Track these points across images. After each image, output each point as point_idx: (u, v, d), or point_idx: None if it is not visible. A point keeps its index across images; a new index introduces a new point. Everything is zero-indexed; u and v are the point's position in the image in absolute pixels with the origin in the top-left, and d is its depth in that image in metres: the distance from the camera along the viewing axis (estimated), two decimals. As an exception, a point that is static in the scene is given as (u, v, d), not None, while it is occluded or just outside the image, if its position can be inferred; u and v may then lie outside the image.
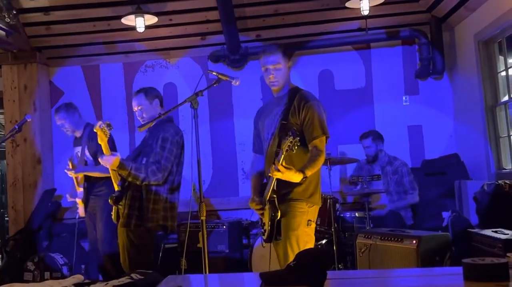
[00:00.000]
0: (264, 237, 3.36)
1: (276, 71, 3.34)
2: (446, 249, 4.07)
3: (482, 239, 3.91)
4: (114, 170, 3.82)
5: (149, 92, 4.04)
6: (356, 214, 5.18)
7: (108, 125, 3.64)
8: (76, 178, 4.77)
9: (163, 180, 3.84)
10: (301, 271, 1.81)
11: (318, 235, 5.01)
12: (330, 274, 1.85)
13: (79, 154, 4.86)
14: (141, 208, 3.86)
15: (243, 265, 5.23)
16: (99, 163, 4.02)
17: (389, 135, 5.90)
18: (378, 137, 5.52)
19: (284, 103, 3.36)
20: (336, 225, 4.77)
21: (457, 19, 5.93)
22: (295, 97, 3.35)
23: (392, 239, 4.17)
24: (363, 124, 6.16)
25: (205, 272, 3.11)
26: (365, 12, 5.48)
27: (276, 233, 3.28)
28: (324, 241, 4.95)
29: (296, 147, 2.99)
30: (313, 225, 3.33)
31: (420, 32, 6.17)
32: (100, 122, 3.64)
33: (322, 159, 3.24)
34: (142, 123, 3.96)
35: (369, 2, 5.44)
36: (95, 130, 3.68)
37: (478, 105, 5.61)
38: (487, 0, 5.23)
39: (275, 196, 3.23)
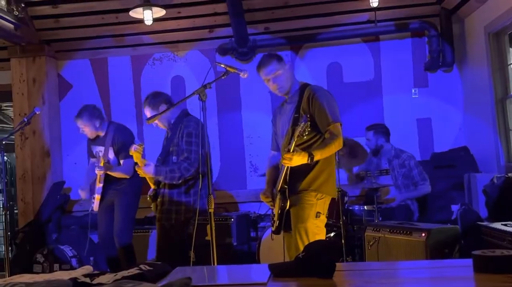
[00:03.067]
0: (273, 229, 3.39)
1: (276, 78, 3.45)
2: (455, 242, 4.04)
3: (492, 232, 3.89)
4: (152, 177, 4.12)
5: (154, 101, 4.27)
6: (365, 207, 5.17)
7: (141, 145, 3.90)
8: (101, 175, 4.78)
9: (196, 172, 4.10)
10: (310, 263, 1.80)
11: (327, 228, 4.97)
12: (339, 265, 1.84)
13: (101, 153, 4.89)
14: (179, 202, 4.18)
15: (251, 258, 5.23)
16: (119, 163, 4.62)
17: (398, 128, 5.87)
18: (380, 131, 5.45)
19: (295, 101, 3.45)
20: (344, 218, 4.75)
21: (467, 11, 5.88)
22: (303, 92, 3.43)
23: (401, 232, 4.16)
24: (371, 117, 6.13)
25: (213, 264, 3.11)
26: (374, 4, 5.45)
27: (285, 224, 3.30)
28: (332, 234, 4.94)
29: (307, 132, 3.03)
30: (323, 217, 3.36)
31: (429, 24, 6.12)
32: (133, 146, 3.89)
33: (337, 144, 3.27)
34: (163, 127, 4.34)
35: (378, -6, 5.41)
36: (131, 153, 3.94)
37: (487, 98, 5.57)
38: (498, -8, 5.18)
39: (286, 186, 3.29)
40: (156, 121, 4.14)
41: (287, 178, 3.28)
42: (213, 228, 3.16)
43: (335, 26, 6.31)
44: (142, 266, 1.90)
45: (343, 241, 4.61)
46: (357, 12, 6.12)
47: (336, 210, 4.82)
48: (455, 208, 5.20)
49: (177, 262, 4.48)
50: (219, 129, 6.57)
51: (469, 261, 1.80)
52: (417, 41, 6.36)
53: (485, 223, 4.15)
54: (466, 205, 5.02)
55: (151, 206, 4.38)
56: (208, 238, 3.29)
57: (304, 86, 3.49)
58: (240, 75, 3.48)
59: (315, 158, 3.18)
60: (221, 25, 6.29)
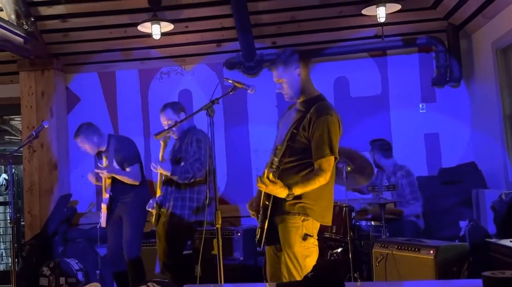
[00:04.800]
0: (256, 241, 3.26)
1: (281, 85, 3.24)
2: (464, 259, 4.00)
3: (500, 249, 3.85)
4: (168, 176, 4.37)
5: (175, 107, 4.58)
6: (372, 223, 5.13)
7: (168, 137, 4.49)
8: (105, 183, 4.80)
9: (205, 176, 4.35)
10: (319, 282, 1.79)
11: (333, 244, 4.97)
12: (348, 285, 1.83)
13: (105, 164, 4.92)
14: (184, 207, 4.42)
15: (258, 273, 5.20)
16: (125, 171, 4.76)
17: (405, 143, 5.86)
18: (378, 147, 5.40)
19: (301, 111, 3.21)
20: (351, 234, 4.72)
21: (475, 27, 5.88)
22: (311, 108, 3.14)
23: (409, 248, 4.12)
24: (379, 132, 6.11)
25: (220, 280, 3.09)
26: (382, 19, 5.47)
27: (267, 238, 3.13)
28: (339, 250, 4.91)
29: (279, 169, 2.97)
30: (312, 239, 3.12)
31: (437, 39, 6.13)
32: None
33: (322, 179, 3.02)
34: (176, 136, 4.62)
35: (386, 9, 5.43)
36: (161, 143, 4.48)
37: (495, 113, 5.55)
38: (505, 8, 5.18)
39: (268, 203, 3.10)
40: (174, 129, 4.44)
41: (269, 195, 3.05)
42: (220, 243, 3.14)
43: (342, 41, 6.33)
44: (150, 284, 1.90)
45: (350, 256, 4.57)
46: (364, 27, 6.14)
47: (343, 226, 4.79)
48: (463, 224, 5.17)
49: (182, 275, 4.54)
50: (226, 142, 6.57)
51: (478, 282, 1.78)
52: (424, 57, 6.36)
53: (493, 240, 4.12)
54: (474, 221, 4.98)
55: (152, 217, 4.55)
56: (214, 252, 3.28)
57: (314, 100, 3.22)
58: (248, 91, 3.48)
59: (295, 193, 2.93)
60: (229, 39, 6.33)
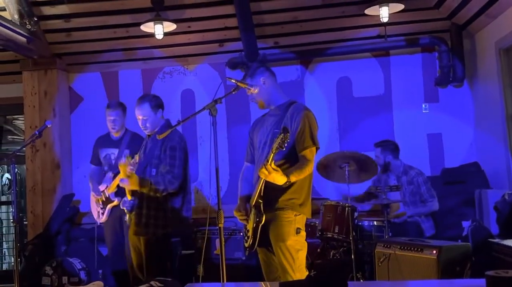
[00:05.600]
0: (247, 245, 3.39)
1: (252, 95, 3.53)
2: (467, 259, 4.00)
3: (503, 249, 3.85)
4: (136, 190, 3.97)
5: (153, 103, 4.15)
6: (375, 223, 5.13)
7: (128, 158, 3.83)
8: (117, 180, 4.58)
9: (179, 188, 4.00)
10: (321, 282, 1.79)
11: (336, 244, 4.97)
12: (350, 285, 1.83)
13: (113, 156, 4.94)
14: (157, 217, 4.00)
15: (260, 272, 5.19)
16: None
17: (408, 143, 5.85)
18: (388, 148, 5.39)
19: (278, 114, 3.47)
20: (354, 234, 4.72)
21: (478, 27, 5.87)
22: (288, 109, 3.43)
23: (412, 249, 4.12)
24: (381, 132, 6.11)
25: (223, 280, 3.09)
26: (385, 19, 5.46)
27: (260, 239, 3.28)
28: (342, 250, 4.90)
29: (286, 144, 3.02)
30: (303, 233, 3.35)
31: (440, 39, 6.12)
32: (122, 159, 3.92)
33: (309, 168, 3.32)
34: (148, 133, 4.19)
35: (389, 9, 5.42)
36: (119, 167, 3.89)
37: (498, 113, 5.54)
38: (508, 8, 5.17)
39: (261, 201, 3.28)
40: (147, 124, 4.10)
41: (262, 193, 3.26)
42: (223, 242, 3.14)
43: (345, 41, 6.32)
44: (153, 283, 1.90)
45: (352, 257, 4.57)
46: (367, 27, 6.13)
47: (345, 226, 4.79)
48: (466, 224, 5.16)
49: (160, 276, 4.40)
50: (229, 142, 6.57)
51: (481, 281, 1.77)
52: (427, 56, 6.35)
53: (496, 240, 4.12)
54: (477, 221, 4.98)
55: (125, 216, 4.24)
56: (217, 252, 3.28)
57: (290, 103, 3.50)
58: (251, 91, 3.49)
59: (291, 181, 3.20)
60: (231, 39, 6.32)
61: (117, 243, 4.84)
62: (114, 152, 4.95)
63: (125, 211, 4.17)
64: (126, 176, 3.85)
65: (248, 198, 3.48)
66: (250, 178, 3.57)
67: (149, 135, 4.25)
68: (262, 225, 3.27)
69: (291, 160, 3.35)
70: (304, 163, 3.30)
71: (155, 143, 4.09)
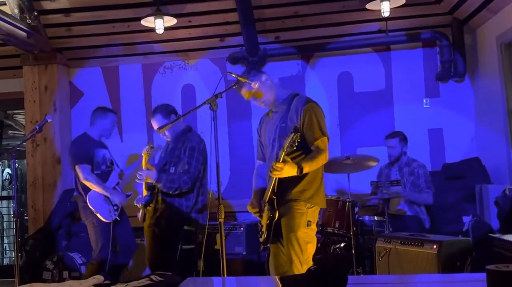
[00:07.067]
0: (261, 240, 3.42)
1: (254, 97, 3.58)
2: (467, 254, 4.01)
3: (504, 244, 3.85)
4: (151, 183, 4.19)
5: (165, 111, 4.34)
6: (375, 218, 5.13)
7: (151, 147, 4.21)
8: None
9: (192, 187, 4.19)
10: (322, 276, 1.79)
11: (336, 239, 4.98)
12: (351, 279, 1.82)
13: (109, 155, 5.01)
14: (171, 211, 4.19)
15: (261, 267, 5.21)
16: None
17: (409, 138, 5.82)
18: (404, 138, 5.46)
19: (282, 109, 3.49)
20: (354, 229, 4.72)
21: (479, 21, 5.85)
22: (292, 101, 3.46)
23: (412, 243, 4.12)
24: (382, 127, 6.10)
25: (223, 274, 3.09)
26: (386, 14, 5.44)
27: (274, 234, 3.31)
28: (342, 245, 4.91)
29: (297, 143, 3.04)
30: (314, 226, 3.38)
31: (441, 34, 6.10)
32: (145, 147, 4.24)
33: (323, 158, 3.34)
34: (167, 139, 4.41)
35: (390, 4, 5.40)
36: (143, 154, 4.18)
37: (500, 108, 5.53)
38: (510, 2, 5.14)
39: (274, 197, 3.32)
40: (165, 131, 4.20)
41: (275, 189, 3.31)
42: (223, 237, 3.15)
43: (346, 35, 6.31)
44: (153, 277, 1.89)
45: (353, 251, 4.57)
46: (368, 22, 6.11)
47: (346, 221, 4.80)
48: (466, 219, 5.16)
49: (170, 271, 4.45)
50: (229, 137, 6.56)
51: (482, 276, 1.77)
52: (428, 51, 6.33)
53: (497, 235, 4.12)
54: (478, 216, 4.97)
55: (138, 212, 4.32)
56: (217, 247, 3.29)
57: (292, 96, 3.51)
58: (251, 85, 3.48)
59: (304, 171, 3.22)
60: (232, 34, 6.31)
61: (126, 236, 4.92)
62: (105, 152, 4.96)
63: (138, 206, 4.29)
64: (146, 167, 4.15)
65: (262, 192, 3.52)
66: (264, 175, 3.61)
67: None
68: (276, 221, 3.32)
69: (304, 151, 3.36)
70: (317, 152, 3.33)
71: (176, 144, 4.30)
